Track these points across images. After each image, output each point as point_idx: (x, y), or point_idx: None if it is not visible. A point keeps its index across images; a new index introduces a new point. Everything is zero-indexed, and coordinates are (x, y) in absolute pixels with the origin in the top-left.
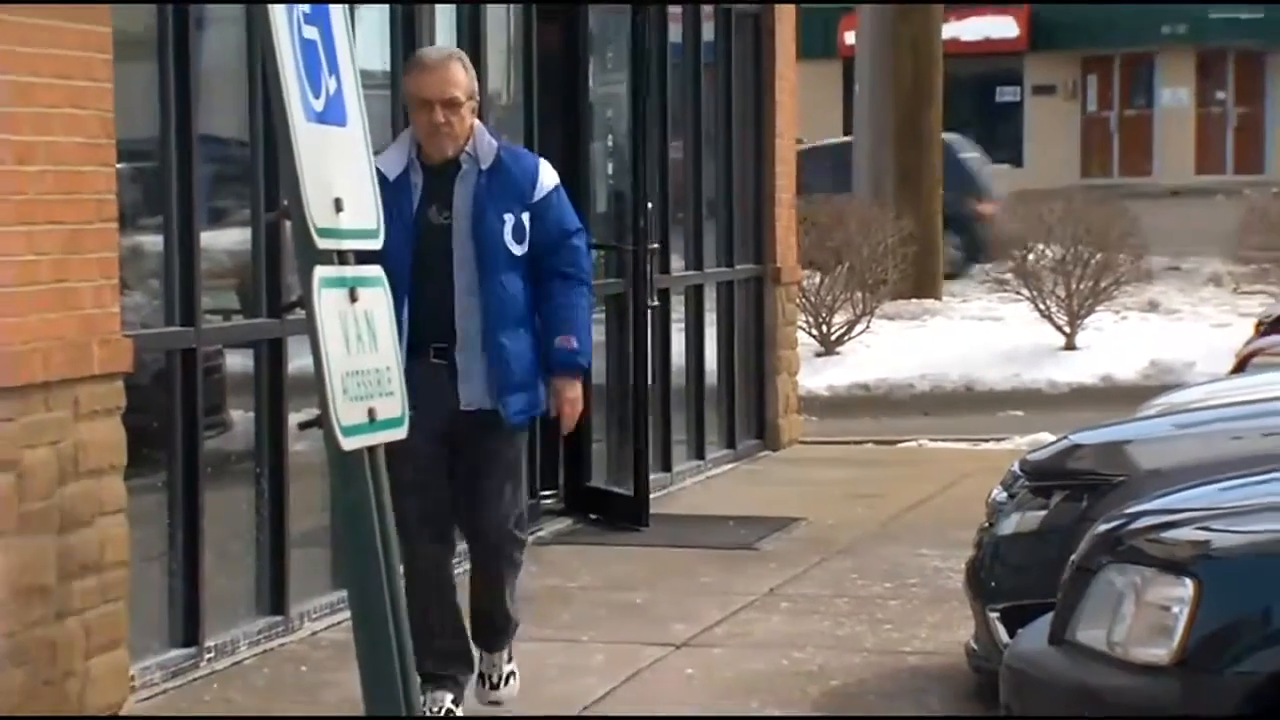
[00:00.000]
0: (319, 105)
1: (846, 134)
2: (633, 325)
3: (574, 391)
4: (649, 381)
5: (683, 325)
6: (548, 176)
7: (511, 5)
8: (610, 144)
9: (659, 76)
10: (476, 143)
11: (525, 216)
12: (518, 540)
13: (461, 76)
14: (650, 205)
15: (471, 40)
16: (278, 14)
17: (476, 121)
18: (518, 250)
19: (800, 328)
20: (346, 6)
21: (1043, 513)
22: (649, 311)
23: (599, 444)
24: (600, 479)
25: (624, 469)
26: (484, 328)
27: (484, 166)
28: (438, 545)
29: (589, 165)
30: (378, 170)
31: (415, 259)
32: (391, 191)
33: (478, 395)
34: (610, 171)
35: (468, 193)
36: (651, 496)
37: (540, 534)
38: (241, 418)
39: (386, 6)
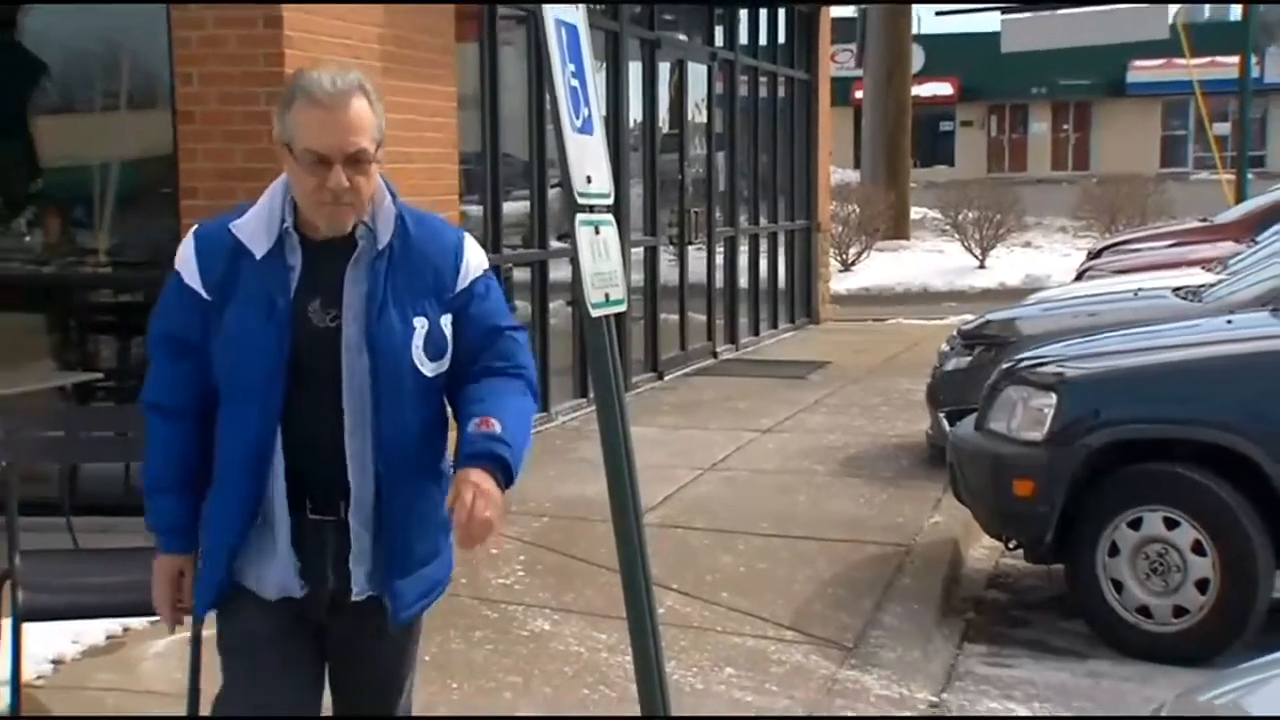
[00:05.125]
0: (578, 123)
1: (856, 152)
2: (679, 257)
3: (489, 483)
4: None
5: (766, 255)
6: (475, 257)
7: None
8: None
9: (752, 116)
10: (376, 208)
11: (446, 320)
12: None
13: (368, 117)
14: (682, 178)
15: (649, 71)
16: (558, 74)
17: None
18: (429, 369)
19: (830, 255)
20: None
21: (969, 358)
22: (688, 247)
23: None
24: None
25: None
26: (376, 480)
27: (383, 243)
28: None
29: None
30: (241, 245)
31: (291, 373)
32: (257, 275)
33: (366, 579)
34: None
35: (362, 282)
36: (746, 349)
37: (688, 370)
38: (521, 305)
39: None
